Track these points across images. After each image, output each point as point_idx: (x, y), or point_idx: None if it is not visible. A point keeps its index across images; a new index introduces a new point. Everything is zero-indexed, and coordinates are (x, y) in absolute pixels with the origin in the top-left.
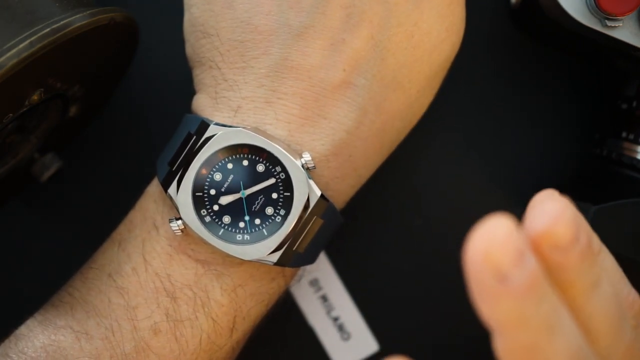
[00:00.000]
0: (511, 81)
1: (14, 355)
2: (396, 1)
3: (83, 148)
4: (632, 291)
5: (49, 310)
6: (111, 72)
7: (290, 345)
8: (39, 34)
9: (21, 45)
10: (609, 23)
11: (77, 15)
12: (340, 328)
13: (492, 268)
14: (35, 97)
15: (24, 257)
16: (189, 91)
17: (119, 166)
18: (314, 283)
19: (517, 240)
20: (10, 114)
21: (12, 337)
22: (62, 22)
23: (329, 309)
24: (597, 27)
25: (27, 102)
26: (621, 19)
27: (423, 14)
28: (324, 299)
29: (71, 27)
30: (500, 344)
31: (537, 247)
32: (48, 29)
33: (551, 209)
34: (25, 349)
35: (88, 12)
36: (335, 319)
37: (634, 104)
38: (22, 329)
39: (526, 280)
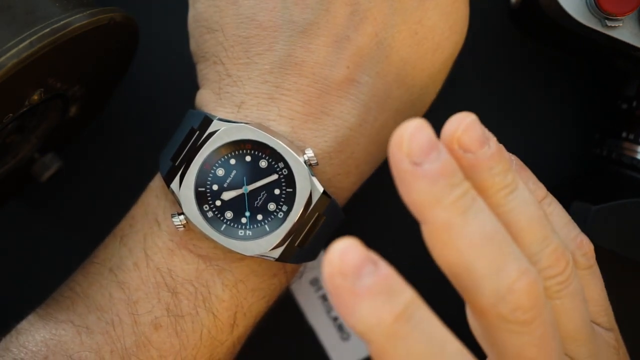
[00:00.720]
0: (511, 81)
1: (15, 349)
2: None
3: (83, 148)
4: (582, 235)
5: (51, 305)
6: (111, 72)
7: (290, 345)
8: (39, 34)
9: (21, 45)
10: (609, 23)
11: (77, 15)
12: (340, 328)
13: (409, 154)
14: (35, 97)
15: (24, 257)
16: (189, 91)
17: (119, 166)
18: (315, 282)
19: (432, 137)
20: (10, 114)
21: (13, 332)
22: (62, 22)
23: (329, 309)
24: (597, 27)
25: (27, 102)
26: (621, 19)
27: (427, 12)
28: (324, 298)
29: (71, 27)
30: (423, 229)
31: (451, 151)
32: (48, 29)
33: (461, 119)
34: (26, 343)
35: (88, 12)
36: (335, 319)
37: (634, 104)
38: (24, 324)
39: (438, 166)
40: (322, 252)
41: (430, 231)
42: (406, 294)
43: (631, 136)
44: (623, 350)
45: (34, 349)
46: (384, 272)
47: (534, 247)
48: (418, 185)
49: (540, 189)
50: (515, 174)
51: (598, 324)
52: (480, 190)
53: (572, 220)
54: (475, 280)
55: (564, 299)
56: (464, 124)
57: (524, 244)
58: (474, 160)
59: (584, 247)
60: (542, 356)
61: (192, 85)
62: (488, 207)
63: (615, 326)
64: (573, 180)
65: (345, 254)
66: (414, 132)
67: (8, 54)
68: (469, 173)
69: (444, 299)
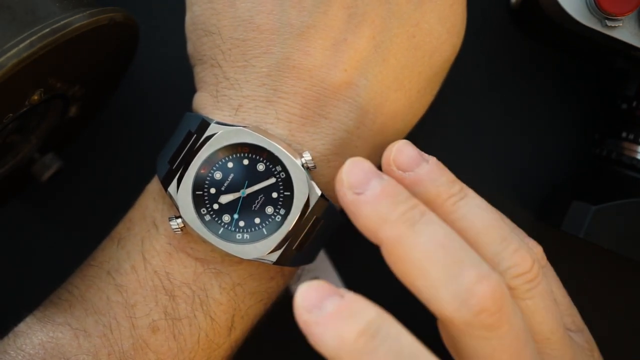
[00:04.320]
0: (511, 81)
1: (12, 352)
2: (398, 2)
3: (83, 148)
4: (529, 238)
5: (48, 307)
6: (111, 72)
7: (290, 345)
8: (39, 34)
9: (21, 45)
10: (609, 23)
11: (77, 15)
12: None
13: (350, 187)
14: (35, 97)
15: (24, 257)
16: (189, 91)
17: (119, 166)
18: None
19: (369, 168)
20: (10, 114)
21: (10, 334)
22: (62, 22)
23: None
24: (597, 27)
25: (27, 102)
26: (621, 19)
27: (425, 15)
28: None
29: (71, 27)
30: (382, 253)
31: (391, 174)
32: (48, 29)
33: (394, 145)
34: (24, 345)
35: (88, 12)
36: None
37: (634, 104)
38: (21, 326)
39: (379, 189)
40: (319, 255)
41: (386, 250)
42: (370, 312)
43: (631, 136)
44: (597, 352)
45: (31, 351)
46: (348, 298)
47: (494, 248)
48: (364, 210)
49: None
50: (463, 185)
51: (566, 327)
52: (429, 203)
53: (516, 226)
54: (434, 288)
55: (535, 299)
56: (395, 147)
57: (482, 247)
58: (415, 177)
59: (534, 250)
60: None
61: (192, 85)
62: (439, 218)
63: (584, 327)
64: (573, 180)
65: (307, 293)
66: (350, 168)
67: (8, 54)
68: (415, 190)
69: None
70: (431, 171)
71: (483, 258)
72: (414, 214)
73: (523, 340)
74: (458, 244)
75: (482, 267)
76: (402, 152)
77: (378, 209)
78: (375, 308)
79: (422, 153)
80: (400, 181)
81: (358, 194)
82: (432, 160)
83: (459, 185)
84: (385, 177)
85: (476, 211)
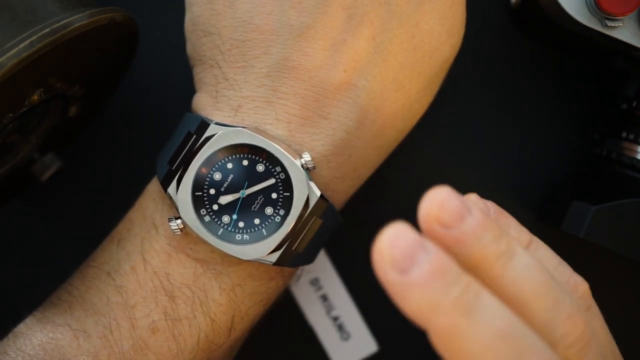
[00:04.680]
0: (511, 81)
1: (12, 353)
2: (398, 2)
3: (83, 148)
4: (575, 275)
5: (48, 308)
6: (111, 72)
7: (290, 345)
8: (39, 34)
9: (21, 45)
10: (609, 23)
11: (77, 15)
12: (340, 328)
13: (393, 264)
14: (35, 97)
15: (24, 257)
16: (189, 91)
17: (119, 166)
18: (314, 282)
19: (413, 237)
20: (10, 114)
21: (10, 335)
22: (62, 22)
23: (329, 309)
24: (597, 27)
25: (27, 102)
26: (621, 19)
27: (424, 16)
28: (324, 298)
29: (71, 27)
30: (430, 337)
31: (434, 235)
32: (48, 29)
33: (434, 196)
34: (24, 346)
35: (88, 12)
36: (335, 319)
37: (634, 104)
38: (21, 327)
39: (427, 268)
40: (319, 255)
41: (437, 339)
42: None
43: (631, 136)
44: None
45: (31, 352)
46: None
47: (546, 315)
48: (411, 294)
49: (524, 234)
50: (510, 238)
51: None
52: (475, 266)
53: (562, 261)
54: None
55: None
56: (438, 200)
57: (534, 314)
58: (459, 235)
59: (579, 289)
60: None
61: (192, 85)
62: (495, 298)
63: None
64: (573, 180)
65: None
66: (393, 237)
67: (8, 54)
68: (457, 251)
69: None
70: (477, 226)
71: (535, 327)
72: (469, 297)
73: None
74: (519, 330)
75: (547, 353)
76: (447, 204)
77: (428, 293)
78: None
79: (464, 199)
80: (441, 240)
81: (403, 272)
82: (475, 210)
83: (505, 241)
84: (430, 248)
85: (525, 273)
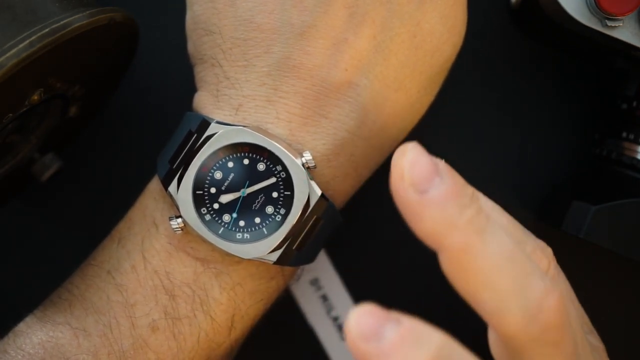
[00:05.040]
0: (511, 81)
1: (12, 352)
2: (399, 1)
3: (83, 148)
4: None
5: (48, 307)
6: (111, 72)
7: (290, 345)
8: (39, 34)
9: (21, 45)
10: (609, 23)
11: (77, 15)
12: (340, 328)
13: (412, 184)
14: (35, 97)
15: (24, 257)
16: (189, 91)
17: (119, 166)
18: (315, 282)
19: (432, 161)
20: (10, 114)
21: (10, 334)
22: (62, 22)
23: (329, 309)
24: (597, 27)
25: (27, 102)
26: (621, 19)
27: (426, 15)
28: (324, 298)
29: (71, 27)
30: (441, 258)
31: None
32: (48, 29)
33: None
34: (24, 345)
35: (88, 12)
36: (335, 319)
37: (634, 104)
38: (21, 326)
39: (445, 189)
40: (320, 255)
41: (448, 258)
42: (435, 337)
43: (631, 136)
44: (605, 354)
45: (31, 351)
46: (407, 324)
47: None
48: (429, 213)
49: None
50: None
51: None
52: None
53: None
54: (502, 301)
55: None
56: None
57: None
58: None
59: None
60: None
61: (192, 85)
62: (496, 219)
63: (594, 329)
64: (573, 180)
65: (362, 319)
66: (412, 160)
67: (8, 54)
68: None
69: (446, 301)
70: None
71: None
72: (481, 219)
73: (576, 352)
74: (524, 255)
75: (547, 279)
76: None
77: (445, 212)
78: (438, 332)
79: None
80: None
81: (422, 192)
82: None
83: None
84: (445, 172)
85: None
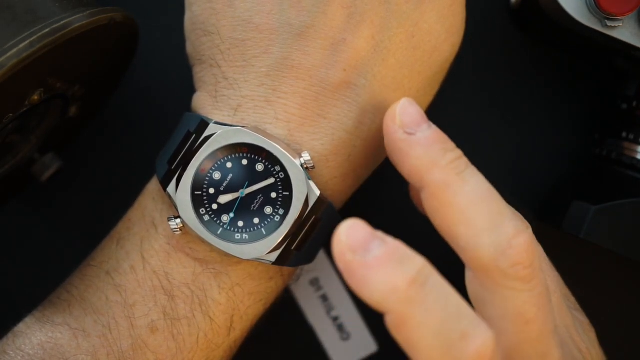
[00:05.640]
0: (511, 81)
1: (11, 352)
2: (397, 2)
3: (83, 148)
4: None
5: (47, 307)
6: (111, 72)
7: (290, 345)
8: (39, 34)
9: (21, 45)
10: (609, 23)
11: (77, 15)
12: (340, 328)
13: (402, 126)
14: (35, 97)
15: (24, 257)
16: (189, 91)
17: (119, 166)
18: (314, 282)
19: (421, 111)
20: (10, 114)
21: (10, 335)
22: (62, 22)
23: (329, 309)
24: (597, 27)
25: (27, 102)
26: (621, 19)
27: (424, 15)
28: (324, 298)
29: (71, 27)
30: (423, 196)
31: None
32: (48, 29)
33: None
34: (23, 346)
35: (88, 12)
36: (335, 319)
37: (634, 104)
38: (20, 326)
39: (431, 133)
40: (319, 255)
41: (430, 194)
42: (417, 261)
43: (631, 136)
44: (594, 334)
45: (30, 352)
46: (392, 244)
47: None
48: (414, 151)
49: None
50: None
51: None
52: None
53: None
54: (475, 236)
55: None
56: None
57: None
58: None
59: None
60: (541, 316)
61: (191, 85)
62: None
63: (580, 309)
64: (573, 180)
65: (353, 232)
66: (404, 106)
67: (8, 54)
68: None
69: None
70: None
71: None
72: (461, 162)
73: (548, 297)
74: (498, 196)
75: (519, 221)
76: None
77: (429, 152)
78: (420, 257)
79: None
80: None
81: (410, 134)
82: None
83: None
84: (433, 124)
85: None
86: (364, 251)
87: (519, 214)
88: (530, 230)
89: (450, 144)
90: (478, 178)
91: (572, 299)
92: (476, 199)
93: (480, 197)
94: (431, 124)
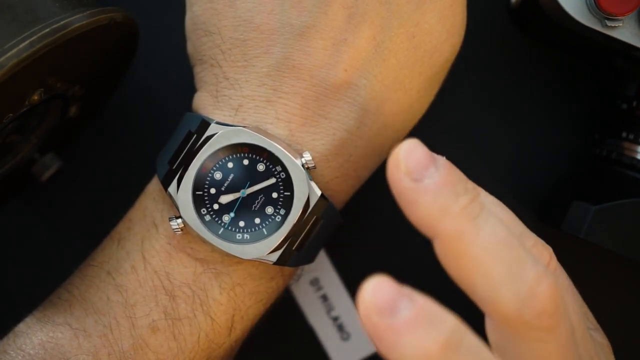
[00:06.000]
0: (511, 81)
1: (12, 352)
2: (398, 2)
3: (83, 148)
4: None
5: (48, 307)
6: (111, 72)
7: (290, 345)
8: (39, 34)
9: (21, 45)
10: (609, 23)
11: (77, 15)
12: (340, 328)
13: (407, 173)
14: (35, 97)
15: (24, 257)
16: (189, 91)
17: (119, 166)
18: (315, 283)
19: (427, 152)
20: (10, 114)
21: (10, 334)
22: (62, 22)
23: (329, 309)
24: (597, 27)
25: (27, 102)
26: (621, 19)
27: (425, 15)
28: (324, 298)
29: (71, 27)
30: (436, 246)
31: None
32: (48, 29)
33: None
34: (24, 345)
35: (88, 12)
36: (335, 319)
37: (634, 104)
38: (21, 326)
39: (439, 178)
40: (320, 255)
41: (442, 244)
42: (449, 321)
43: (631, 136)
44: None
45: (31, 351)
46: (421, 303)
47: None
48: (422, 200)
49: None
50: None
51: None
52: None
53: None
54: (494, 287)
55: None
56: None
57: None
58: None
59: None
60: None
61: (192, 85)
62: (496, 213)
63: (599, 327)
64: (573, 180)
65: (378, 290)
66: (408, 150)
67: (8, 54)
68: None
69: (446, 301)
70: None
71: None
72: (475, 206)
73: (572, 340)
74: (517, 241)
75: (540, 266)
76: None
77: (438, 199)
78: (452, 316)
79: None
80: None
81: (416, 180)
82: (441, 162)
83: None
84: (442, 163)
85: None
86: (391, 313)
87: (540, 242)
88: (553, 256)
89: (462, 185)
90: (493, 222)
91: (591, 317)
92: (492, 246)
93: (497, 244)
94: (439, 162)
